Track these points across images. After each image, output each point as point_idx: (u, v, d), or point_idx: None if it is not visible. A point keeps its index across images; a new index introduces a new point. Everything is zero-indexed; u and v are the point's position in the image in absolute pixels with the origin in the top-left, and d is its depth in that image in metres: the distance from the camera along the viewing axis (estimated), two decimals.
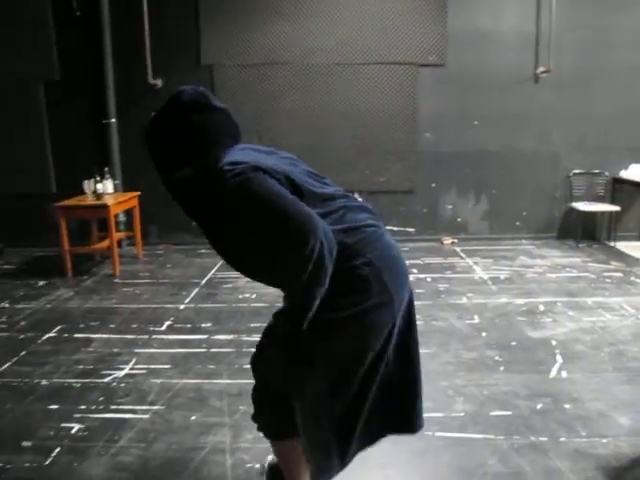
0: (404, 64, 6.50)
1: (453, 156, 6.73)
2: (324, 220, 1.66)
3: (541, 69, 6.47)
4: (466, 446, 2.56)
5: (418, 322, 4.15)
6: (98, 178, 5.82)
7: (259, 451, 2.55)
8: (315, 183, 1.84)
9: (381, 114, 6.61)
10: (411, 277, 5.21)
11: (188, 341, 3.88)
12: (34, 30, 6.50)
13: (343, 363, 1.77)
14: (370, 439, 1.92)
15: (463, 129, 6.65)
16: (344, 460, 1.87)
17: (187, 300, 4.79)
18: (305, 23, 6.41)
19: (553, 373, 3.29)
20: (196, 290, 5.07)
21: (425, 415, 2.77)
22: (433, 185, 6.82)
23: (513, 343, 3.73)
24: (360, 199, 2.04)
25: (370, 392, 1.82)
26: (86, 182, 5.83)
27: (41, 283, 5.41)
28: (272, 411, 1.94)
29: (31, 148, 6.66)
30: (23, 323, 4.32)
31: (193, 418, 2.86)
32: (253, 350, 3.65)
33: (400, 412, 1.95)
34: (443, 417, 2.81)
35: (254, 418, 2.02)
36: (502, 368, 3.35)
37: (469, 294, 4.79)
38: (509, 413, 2.83)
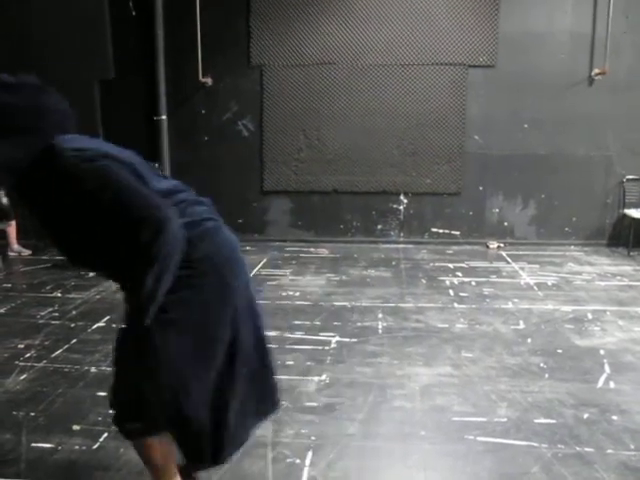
0: (453, 65, 6.44)
1: (501, 159, 6.64)
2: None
3: (596, 71, 6.32)
4: (508, 452, 2.52)
5: (461, 325, 4.15)
6: None
7: (300, 446, 2.57)
8: (156, 177, 1.84)
9: (429, 115, 6.56)
10: (455, 280, 5.16)
11: None
12: (91, 30, 6.70)
13: (195, 353, 1.80)
14: (247, 429, 2.01)
15: (512, 132, 6.55)
16: (220, 453, 1.93)
17: None
18: (355, 24, 6.42)
19: (600, 383, 3.21)
20: None
21: (466, 419, 2.79)
22: (480, 188, 6.73)
23: (559, 351, 3.65)
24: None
25: (236, 381, 1.89)
26: None
27: (91, 274, 5.57)
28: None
29: None
30: (74, 312, 4.47)
31: None
32: (294, 347, 3.70)
33: (268, 394, 2.06)
34: (485, 422, 2.77)
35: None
36: (547, 375, 3.29)
37: (514, 299, 4.71)
38: (554, 421, 2.77)
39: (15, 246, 6.48)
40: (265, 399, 2.06)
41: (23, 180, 1.68)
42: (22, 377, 3.31)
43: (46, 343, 3.83)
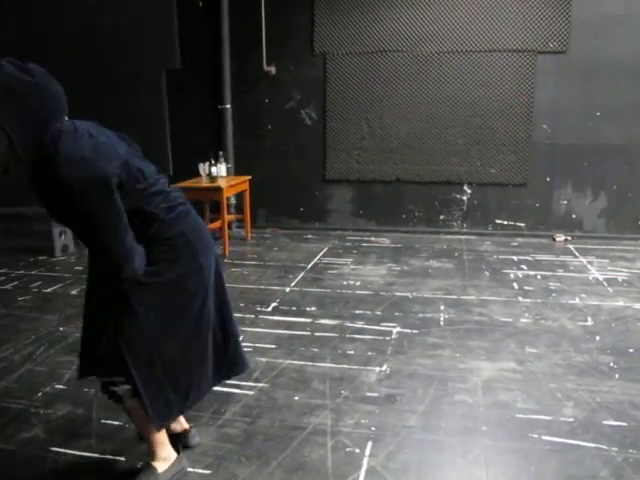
0: (521, 51, 6.23)
1: (570, 149, 6.39)
2: (155, 197, 1.99)
3: None
4: (575, 454, 2.44)
5: (526, 320, 4.06)
6: (213, 161, 6.08)
7: (360, 436, 2.58)
8: (147, 165, 2.08)
9: (494, 104, 6.39)
10: (519, 274, 5.03)
11: (293, 323, 3.98)
12: (158, 21, 6.85)
13: (168, 319, 2.06)
14: (207, 386, 2.27)
15: (583, 121, 6.29)
16: (185, 404, 2.19)
17: (293, 283, 4.91)
18: (419, 10, 6.30)
19: None
20: (302, 274, 5.19)
21: (530, 417, 2.72)
22: (547, 179, 6.51)
23: (630, 350, 3.50)
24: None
25: (202, 344, 2.17)
26: (201, 165, 6.11)
27: None
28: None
29: (152, 133, 7.05)
30: None
31: (296, 398, 2.94)
32: (355, 336, 3.71)
33: (227, 361, 2.33)
34: (550, 421, 2.70)
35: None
36: (617, 375, 3.16)
37: (582, 295, 4.55)
38: (624, 424, 2.66)
39: None
40: (222, 365, 2.32)
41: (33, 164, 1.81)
42: None
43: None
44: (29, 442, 2.59)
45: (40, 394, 3.03)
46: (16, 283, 5.03)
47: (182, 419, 2.49)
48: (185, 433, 2.50)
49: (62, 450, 2.52)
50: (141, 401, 2.06)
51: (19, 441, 2.59)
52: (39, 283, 5.01)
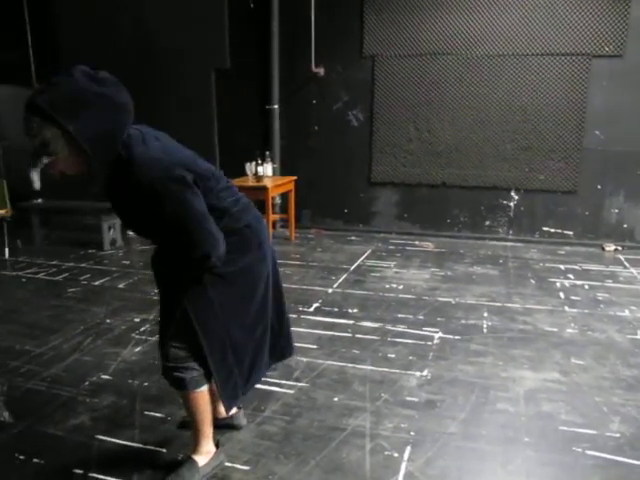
0: (575, 55, 6.08)
1: (624, 156, 6.20)
2: (223, 193, 2.08)
3: None
4: (621, 471, 2.37)
5: (572, 331, 3.98)
6: (259, 161, 6.15)
7: (399, 440, 2.57)
8: (208, 164, 2.12)
9: (546, 108, 6.25)
10: (566, 283, 4.91)
11: (334, 324, 3.99)
12: (209, 21, 6.97)
13: (238, 305, 2.16)
14: (265, 367, 2.39)
15: (638, 127, 6.09)
16: (247, 385, 2.27)
17: (335, 285, 4.91)
18: (469, 12, 6.22)
19: None
20: (344, 276, 5.19)
21: (574, 430, 2.67)
22: (598, 187, 6.34)
23: None
24: None
25: (264, 326, 2.28)
26: (248, 164, 6.18)
27: None
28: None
29: (200, 131, 7.17)
30: None
31: (335, 399, 2.94)
32: (397, 340, 3.68)
33: (281, 342, 2.44)
34: (595, 435, 2.63)
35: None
36: None
37: (632, 307, 4.41)
38: None
39: None
40: (276, 347, 2.42)
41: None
42: (137, 349, 3.54)
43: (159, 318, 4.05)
44: (76, 429, 2.67)
45: (87, 383, 3.12)
46: (66, 275, 5.19)
47: None
48: (233, 415, 2.60)
49: (107, 438, 2.59)
50: (215, 384, 2.18)
51: (67, 427, 2.68)
52: (88, 276, 5.16)
